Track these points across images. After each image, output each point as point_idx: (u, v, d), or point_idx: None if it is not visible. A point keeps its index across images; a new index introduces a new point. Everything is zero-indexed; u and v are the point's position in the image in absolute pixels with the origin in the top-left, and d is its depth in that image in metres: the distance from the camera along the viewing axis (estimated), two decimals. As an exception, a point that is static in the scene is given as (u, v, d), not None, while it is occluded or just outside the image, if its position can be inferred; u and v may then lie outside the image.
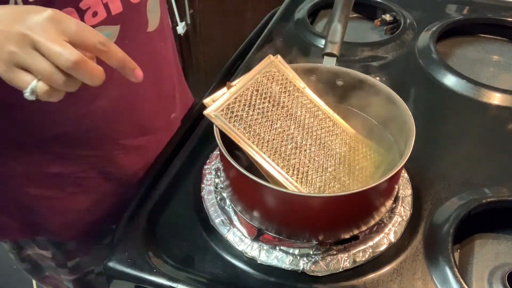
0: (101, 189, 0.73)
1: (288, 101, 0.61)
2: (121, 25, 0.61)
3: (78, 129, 0.65)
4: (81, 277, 0.81)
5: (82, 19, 0.56)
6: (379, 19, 1.00)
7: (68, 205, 0.72)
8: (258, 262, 0.57)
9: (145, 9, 0.65)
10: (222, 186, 0.65)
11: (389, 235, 0.59)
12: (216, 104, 0.57)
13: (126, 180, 0.74)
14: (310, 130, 0.61)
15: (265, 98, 0.60)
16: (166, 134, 0.77)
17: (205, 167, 0.68)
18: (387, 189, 0.57)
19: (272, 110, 0.60)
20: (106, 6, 0.58)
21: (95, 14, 0.57)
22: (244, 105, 0.58)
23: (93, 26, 0.57)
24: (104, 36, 0.44)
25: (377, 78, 0.84)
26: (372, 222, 0.58)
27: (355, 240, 0.58)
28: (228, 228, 0.60)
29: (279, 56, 0.63)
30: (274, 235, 0.58)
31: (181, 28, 1.74)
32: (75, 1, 0.55)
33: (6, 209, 0.71)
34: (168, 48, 0.76)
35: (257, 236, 0.59)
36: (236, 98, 0.58)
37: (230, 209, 0.62)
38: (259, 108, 0.59)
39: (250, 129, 0.57)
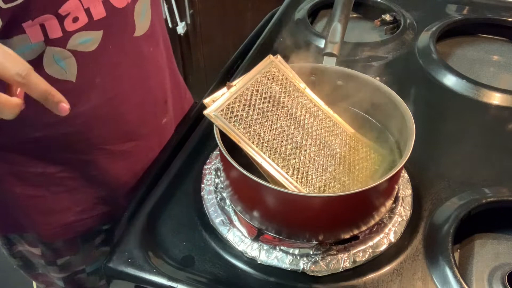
0: (87, 190, 0.72)
1: (288, 101, 0.61)
2: (104, 31, 0.59)
3: (57, 134, 0.64)
4: (72, 276, 0.81)
5: (62, 25, 0.55)
6: (379, 19, 1.00)
7: (53, 205, 0.71)
8: (258, 262, 0.57)
9: (132, 14, 0.63)
10: (222, 186, 0.65)
11: (389, 235, 0.59)
12: (216, 104, 0.57)
13: (113, 184, 0.74)
14: (310, 130, 0.61)
15: (265, 98, 0.60)
16: (156, 140, 0.76)
17: (205, 167, 0.68)
18: (387, 189, 0.57)
19: (272, 110, 0.60)
20: (87, 11, 0.57)
21: (75, 19, 0.56)
22: (244, 105, 0.58)
23: (74, 32, 0.56)
24: (26, 67, 0.42)
25: (377, 78, 0.84)
26: (372, 222, 0.58)
27: (355, 240, 0.58)
28: (228, 228, 0.60)
29: (279, 56, 0.63)
30: (274, 235, 0.58)
31: (181, 28, 1.74)
32: (54, 7, 0.54)
33: None
34: (160, 53, 0.74)
35: (257, 236, 0.59)
36: (236, 98, 0.58)
37: (230, 209, 0.62)
38: (259, 108, 0.59)
39: (250, 129, 0.57)
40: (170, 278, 0.55)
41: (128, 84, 0.67)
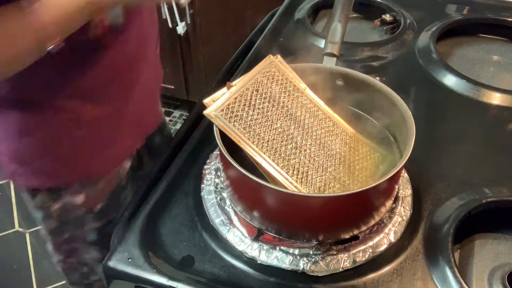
0: (124, 127, 0.79)
1: (288, 101, 0.61)
2: None
3: (112, 77, 0.72)
4: (104, 226, 0.85)
5: None
6: (379, 19, 1.00)
7: (102, 142, 0.77)
8: (258, 262, 0.57)
9: None
10: (222, 186, 0.65)
11: (389, 235, 0.59)
12: (216, 104, 0.57)
13: (141, 117, 0.83)
14: (310, 130, 0.61)
15: (265, 98, 0.60)
16: (157, 68, 0.87)
17: (205, 167, 0.68)
18: (387, 189, 0.57)
19: (272, 110, 0.60)
20: None
21: None
22: (244, 105, 0.58)
23: None
24: None
25: (377, 78, 0.84)
26: (372, 222, 0.58)
27: (355, 240, 0.58)
28: (228, 228, 0.60)
29: (279, 56, 0.63)
30: (274, 235, 0.58)
31: (181, 28, 1.74)
32: None
33: (53, 154, 0.75)
34: None
35: (257, 236, 0.59)
36: (236, 98, 0.58)
37: (230, 209, 0.62)
38: (259, 108, 0.59)
39: (250, 129, 0.57)
40: (170, 278, 0.55)
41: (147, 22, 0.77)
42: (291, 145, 0.59)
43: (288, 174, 0.57)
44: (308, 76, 0.66)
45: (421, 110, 0.79)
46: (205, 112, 0.56)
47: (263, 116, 0.59)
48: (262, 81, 0.61)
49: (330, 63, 0.68)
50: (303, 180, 0.57)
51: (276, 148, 0.58)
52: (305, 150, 0.59)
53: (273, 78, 0.61)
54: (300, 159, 0.58)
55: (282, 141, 0.59)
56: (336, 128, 0.64)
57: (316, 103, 0.64)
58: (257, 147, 0.57)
